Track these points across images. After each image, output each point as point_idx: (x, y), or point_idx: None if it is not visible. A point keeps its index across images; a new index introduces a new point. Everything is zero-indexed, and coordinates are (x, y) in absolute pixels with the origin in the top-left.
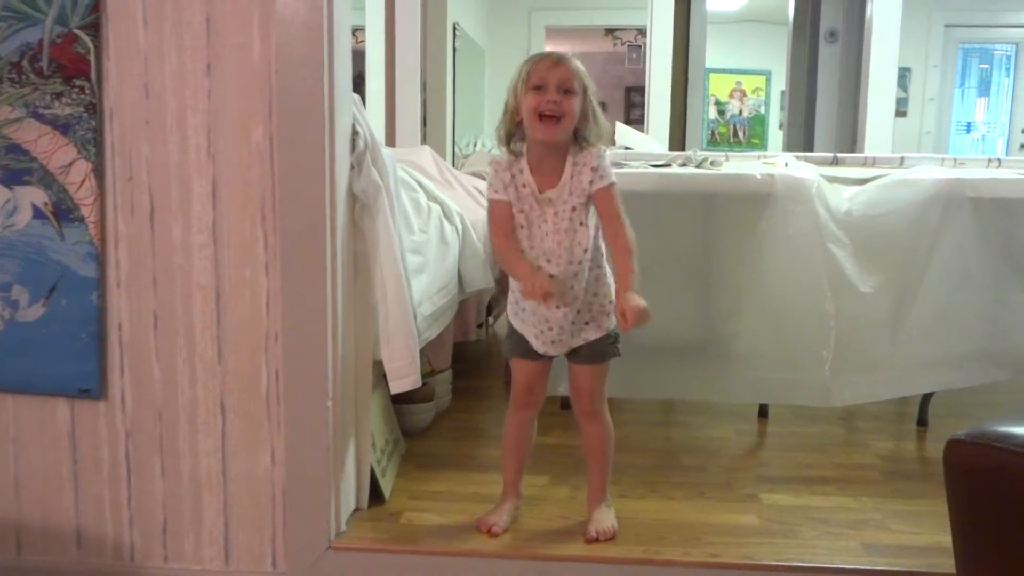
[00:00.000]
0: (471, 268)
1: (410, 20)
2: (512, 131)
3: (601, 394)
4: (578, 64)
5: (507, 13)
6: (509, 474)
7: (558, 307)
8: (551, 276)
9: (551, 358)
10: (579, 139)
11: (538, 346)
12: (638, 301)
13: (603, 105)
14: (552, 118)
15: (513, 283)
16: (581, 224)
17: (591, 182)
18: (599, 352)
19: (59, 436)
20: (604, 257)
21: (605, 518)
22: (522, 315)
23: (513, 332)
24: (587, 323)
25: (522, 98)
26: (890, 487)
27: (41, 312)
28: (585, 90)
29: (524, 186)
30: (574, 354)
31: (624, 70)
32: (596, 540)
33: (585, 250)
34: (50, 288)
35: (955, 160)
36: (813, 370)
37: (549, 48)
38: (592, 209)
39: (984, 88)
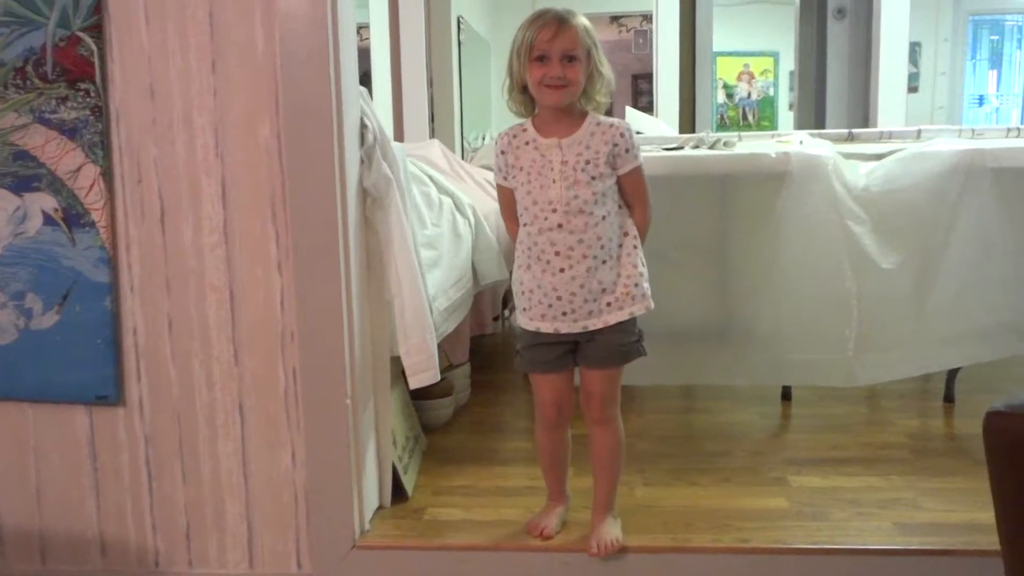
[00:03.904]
0: (485, 260)
1: (414, 16)
2: (519, 92)
3: (614, 399)
4: (579, 24)
5: (511, 4)
6: (552, 484)
7: (562, 270)
8: (559, 226)
9: (572, 368)
10: (586, 96)
11: (549, 326)
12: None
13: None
14: (558, 85)
15: (517, 263)
16: (593, 179)
17: (618, 158)
18: (620, 352)
19: (79, 444)
20: (635, 239)
21: (610, 530)
22: (529, 296)
23: (524, 336)
24: (609, 304)
25: (525, 68)
26: (919, 465)
27: (55, 320)
28: (589, 51)
29: (528, 143)
30: (589, 354)
31: (630, 57)
32: (597, 554)
33: (596, 202)
34: (63, 295)
35: (973, 131)
36: (836, 349)
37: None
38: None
39: (995, 60)
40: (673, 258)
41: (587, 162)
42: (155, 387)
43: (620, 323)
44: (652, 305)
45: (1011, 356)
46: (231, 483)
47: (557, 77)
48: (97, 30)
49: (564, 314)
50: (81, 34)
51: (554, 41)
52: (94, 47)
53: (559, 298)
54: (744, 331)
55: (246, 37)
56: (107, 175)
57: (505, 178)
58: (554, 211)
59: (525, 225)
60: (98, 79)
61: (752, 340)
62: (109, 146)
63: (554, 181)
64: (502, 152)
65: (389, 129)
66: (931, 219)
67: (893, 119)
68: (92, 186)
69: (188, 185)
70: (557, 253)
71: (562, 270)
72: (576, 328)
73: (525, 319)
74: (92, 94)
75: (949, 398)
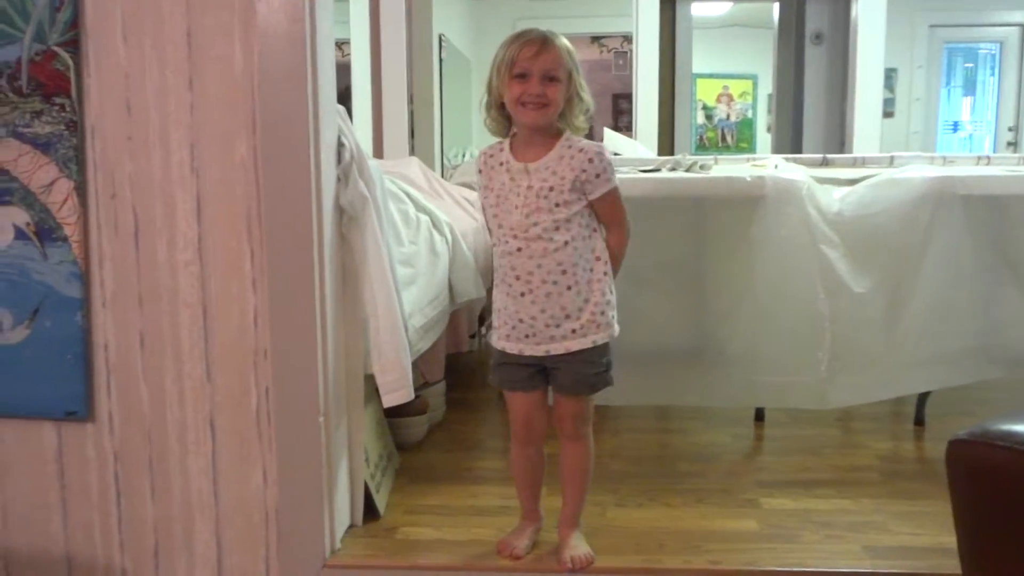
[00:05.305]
0: (462, 278)
1: (395, 32)
2: (496, 109)
3: (586, 418)
4: (562, 45)
5: (492, 23)
6: (525, 502)
7: (522, 294)
8: (518, 250)
9: (544, 388)
10: (564, 120)
11: (513, 347)
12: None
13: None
14: (537, 104)
15: (494, 280)
16: (557, 206)
17: (587, 184)
18: (587, 382)
19: (46, 460)
20: (606, 264)
21: (580, 544)
22: (497, 315)
23: (498, 355)
24: (573, 330)
25: (505, 84)
26: (890, 488)
27: (25, 334)
28: (570, 74)
29: (502, 164)
30: (558, 380)
31: (611, 77)
32: (572, 570)
33: (557, 228)
34: (33, 310)
35: (944, 158)
36: (809, 372)
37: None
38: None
39: (970, 87)
40: (649, 279)
41: (551, 188)
42: (125, 403)
43: (586, 351)
44: (616, 332)
45: (981, 380)
46: (201, 501)
47: (536, 95)
48: (74, 45)
49: (527, 336)
50: (57, 49)
51: (536, 59)
52: (70, 62)
53: (521, 321)
54: (719, 352)
55: (224, 54)
56: (81, 190)
57: (486, 179)
58: (514, 236)
59: (495, 246)
60: (73, 94)
61: (726, 361)
62: (83, 161)
63: (516, 207)
64: (479, 171)
65: (369, 146)
66: (903, 244)
67: (869, 143)
68: (65, 200)
69: (163, 201)
70: (517, 277)
71: (522, 294)
72: (539, 351)
73: (494, 337)
74: (67, 109)
75: (920, 421)
